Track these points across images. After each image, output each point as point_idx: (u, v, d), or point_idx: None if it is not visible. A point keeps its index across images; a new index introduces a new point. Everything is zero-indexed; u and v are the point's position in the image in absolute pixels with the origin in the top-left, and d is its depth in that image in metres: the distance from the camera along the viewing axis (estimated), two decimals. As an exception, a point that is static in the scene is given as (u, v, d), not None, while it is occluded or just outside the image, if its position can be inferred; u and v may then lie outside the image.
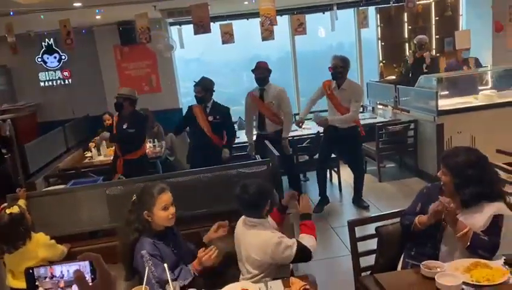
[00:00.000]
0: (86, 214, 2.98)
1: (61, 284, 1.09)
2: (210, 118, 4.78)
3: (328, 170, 5.64)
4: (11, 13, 4.46)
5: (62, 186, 4.00)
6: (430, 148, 5.57)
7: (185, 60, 8.13)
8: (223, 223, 2.71)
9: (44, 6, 4.67)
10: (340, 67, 4.78)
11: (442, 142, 5.38)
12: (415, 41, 6.78)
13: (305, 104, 5.40)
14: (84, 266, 1.06)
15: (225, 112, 4.90)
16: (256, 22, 6.89)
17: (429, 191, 2.61)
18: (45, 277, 1.10)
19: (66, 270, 1.09)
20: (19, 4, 4.47)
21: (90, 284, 1.05)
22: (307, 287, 2.12)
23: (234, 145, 5.76)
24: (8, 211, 2.60)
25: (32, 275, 1.10)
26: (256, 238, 2.46)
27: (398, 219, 2.71)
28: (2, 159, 4.88)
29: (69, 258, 2.67)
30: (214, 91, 4.85)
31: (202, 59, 9.26)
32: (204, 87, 4.76)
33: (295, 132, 6.03)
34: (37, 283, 1.11)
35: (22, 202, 2.83)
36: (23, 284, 2.34)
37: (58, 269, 1.10)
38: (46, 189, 4.05)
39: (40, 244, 2.68)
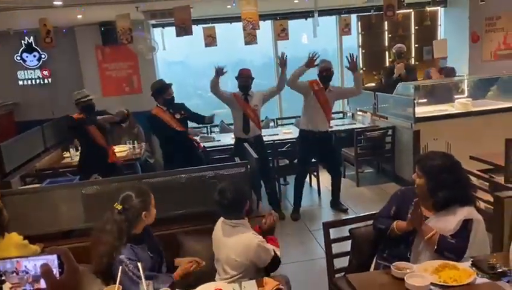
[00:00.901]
0: (61, 214, 2.95)
1: (29, 279, 1.09)
2: (177, 116, 4.79)
3: (307, 174, 5.70)
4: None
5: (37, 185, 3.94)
6: (407, 154, 5.69)
7: (168, 62, 8.10)
8: (200, 262, 2.58)
9: (24, 4, 4.62)
10: (329, 70, 4.92)
11: (419, 149, 5.50)
12: (393, 50, 6.91)
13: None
14: (52, 260, 1.06)
15: (183, 106, 4.97)
16: (240, 26, 6.97)
17: (403, 194, 2.68)
18: (12, 272, 1.09)
19: (33, 264, 1.08)
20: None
21: (58, 278, 1.04)
22: (281, 287, 2.15)
23: (214, 149, 5.81)
24: None
25: None
26: (237, 240, 2.49)
27: (371, 221, 2.77)
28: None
29: None
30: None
31: (186, 62, 9.25)
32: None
33: (275, 136, 6.10)
34: (3, 278, 1.10)
35: None
36: None
37: (25, 264, 1.09)
38: (21, 188, 3.98)
39: (12, 243, 2.62)
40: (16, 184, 4.85)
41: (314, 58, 4.79)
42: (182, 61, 9.07)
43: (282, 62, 4.90)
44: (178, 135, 4.78)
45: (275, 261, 2.54)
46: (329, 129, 5.30)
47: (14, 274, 1.08)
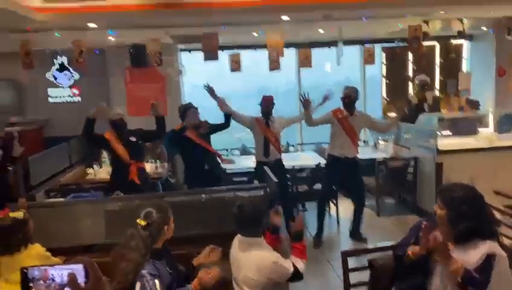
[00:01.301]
0: (83, 228, 3.02)
1: (56, 287, 1.13)
2: (201, 131, 4.99)
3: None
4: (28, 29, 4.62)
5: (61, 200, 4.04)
6: (429, 186, 5.60)
7: (193, 85, 8.26)
8: (216, 248, 2.69)
9: (60, 25, 4.84)
10: (353, 97, 4.99)
11: (441, 181, 5.41)
12: (416, 81, 6.91)
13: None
14: (78, 270, 1.10)
15: (206, 122, 5.15)
16: (265, 53, 7.10)
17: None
18: (39, 279, 1.14)
19: (60, 273, 1.12)
20: (35, 21, 4.63)
21: (83, 287, 1.08)
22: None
23: (235, 172, 5.87)
24: (11, 214, 2.64)
25: (26, 275, 1.14)
26: (253, 258, 2.50)
27: (391, 252, 2.74)
28: (4, 170, 4.93)
29: None
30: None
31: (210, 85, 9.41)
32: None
33: (295, 161, 6.11)
34: (30, 284, 1.14)
35: (22, 212, 2.86)
36: None
37: (51, 272, 1.13)
38: (47, 201, 4.09)
39: (34, 255, 2.68)
40: (40, 198, 4.97)
41: (307, 99, 4.79)
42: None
43: (305, 103, 4.80)
44: (199, 150, 4.88)
45: (296, 276, 2.54)
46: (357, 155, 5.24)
47: (41, 282, 1.12)
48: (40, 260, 2.68)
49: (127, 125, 4.88)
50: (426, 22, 6.04)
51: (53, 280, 1.12)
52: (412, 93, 7.42)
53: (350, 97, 4.97)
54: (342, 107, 5.03)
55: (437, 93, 7.88)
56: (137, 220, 2.42)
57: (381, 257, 2.79)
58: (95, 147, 5.59)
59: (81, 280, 1.08)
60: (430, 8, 5.34)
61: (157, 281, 2.21)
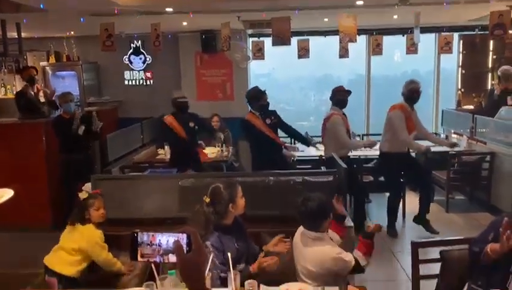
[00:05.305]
0: (157, 202, 3.17)
1: (160, 251, 1.21)
2: (267, 121, 4.97)
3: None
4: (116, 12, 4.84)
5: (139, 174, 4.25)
6: (507, 184, 5.26)
7: (255, 74, 8.33)
8: (285, 239, 2.70)
9: (139, 9, 5.06)
10: (421, 92, 4.90)
11: (521, 178, 5.07)
12: (499, 73, 6.46)
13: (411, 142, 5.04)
14: (182, 238, 1.17)
15: (275, 112, 5.14)
16: (330, 41, 6.99)
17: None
18: (147, 244, 1.22)
19: (166, 240, 1.20)
20: (116, 4, 4.86)
21: (187, 254, 1.15)
22: (364, 296, 2.11)
23: (299, 159, 5.85)
24: (80, 194, 2.87)
25: (136, 239, 1.23)
26: (314, 252, 2.50)
27: (464, 246, 2.62)
28: (87, 147, 5.30)
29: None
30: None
31: (272, 75, 9.45)
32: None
33: (361, 151, 5.96)
34: (138, 247, 1.23)
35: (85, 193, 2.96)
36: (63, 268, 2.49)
37: (159, 238, 1.22)
38: (127, 174, 4.32)
39: (86, 236, 2.81)
40: (115, 174, 5.29)
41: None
42: (267, 74, 9.28)
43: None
44: (267, 140, 4.92)
45: (357, 269, 2.50)
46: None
47: (148, 246, 1.21)
48: (89, 243, 2.79)
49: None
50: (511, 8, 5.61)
51: (159, 245, 1.20)
52: (492, 86, 6.97)
53: (420, 92, 4.85)
54: (404, 102, 4.89)
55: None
56: (204, 198, 2.55)
57: (454, 250, 2.68)
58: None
59: (184, 248, 1.15)
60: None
61: (211, 255, 2.30)
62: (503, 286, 2.25)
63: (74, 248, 2.79)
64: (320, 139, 5.49)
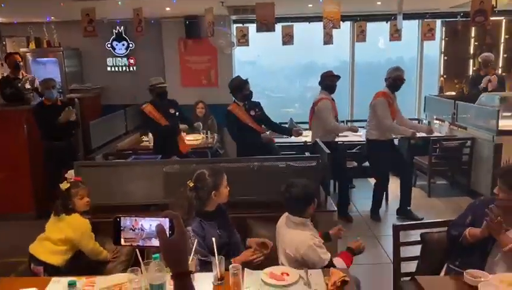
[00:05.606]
0: (142, 188, 3.17)
1: (143, 236, 1.22)
2: (252, 113, 4.99)
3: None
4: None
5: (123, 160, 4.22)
6: (486, 168, 5.39)
7: (241, 61, 8.28)
8: (269, 243, 2.65)
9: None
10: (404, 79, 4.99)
11: (500, 163, 5.17)
12: (480, 59, 6.56)
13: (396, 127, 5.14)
14: (165, 222, 1.18)
15: (259, 104, 5.15)
16: (314, 28, 6.97)
17: (482, 204, 2.56)
18: (130, 229, 1.23)
19: (149, 224, 1.21)
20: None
21: (169, 238, 1.17)
22: (346, 278, 2.16)
23: (283, 145, 5.88)
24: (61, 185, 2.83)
25: (119, 223, 1.23)
26: (294, 236, 2.54)
27: (444, 228, 2.69)
28: (70, 135, 5.24)
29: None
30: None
31: (258, 63, 9.41)
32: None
33: (345, 137, 6.02)
34: (121, 231, 1.24)
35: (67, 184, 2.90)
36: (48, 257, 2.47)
37: (141, 223, 1.23)
38: (111, 161, 4.29)
39: (73, 226, 2.77)
40: (99, 161, 5.25)
41: None
42: (253, 61, 9.23)
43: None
44: (251, 132, 4.92)
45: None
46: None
47: (131, 230, 1.22)
48: (75, 232, 2.76)
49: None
50: (493, -6, 5.66)
51: (142, 229, 1.21)
52: (473, 72, 7.07)
53: (403, 80, 4.94)
54: (387, 89, 4.96)
55: (500, 72, 7.46)
56: (188, 182, 2.56)
57: (433, 232, 2.75)
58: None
59: (167, 232, 1.16)
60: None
61: (196, 241, 2.31)
62: (480, 265, 2.33)
63: (61, 238, 2.75)
64: (305, 125, 5.52)
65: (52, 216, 2.85)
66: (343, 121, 7.46)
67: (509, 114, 5.91)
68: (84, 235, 2.77)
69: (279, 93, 9.71)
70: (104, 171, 3.21)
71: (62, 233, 2.76)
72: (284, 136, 5.92)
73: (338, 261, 2.54)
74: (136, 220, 1.22)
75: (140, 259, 2.11)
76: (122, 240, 1.23)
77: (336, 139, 5.47)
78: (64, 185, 2.83)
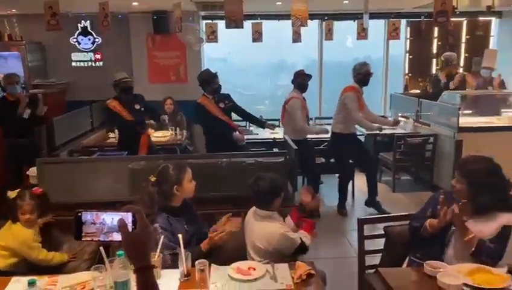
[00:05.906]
0: (107, 185, 3.12)
1: (104, 230, 1.21)
2: (221, 105, 5.01)
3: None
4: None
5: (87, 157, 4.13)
6: (447, 164, 5.58)
7: (211, 58, 8.25)
8: (233, 218, 2.72)
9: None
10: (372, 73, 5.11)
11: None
12: (442, 58, 6.78)
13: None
14: (127, 217, 1.17)
15: (229, 96, 5.20)
16: (284, 26, 7.02)
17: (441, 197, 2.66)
18: (91, 223, 1.21)
19: (111, 218, 1.20)
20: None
21: (132, 232, 1.16)
22: (312, 272, 2.20)
23: (253, 141, 5.90)
24: (9, 193, 2.69)
25: (80, 218, 1.21)
26: (263, 229, 2.57)
27: (406, 222, 2.77)
28: (32, 132, 5.08)
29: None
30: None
31: (229, 60, 9.40)
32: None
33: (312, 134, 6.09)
34: (83, 226, 1.22)
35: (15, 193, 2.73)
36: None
37: (103, 217, 1.21)
38: (75, 157, 4.19)
39: (13, 236, 2.64)
40: (62, 158, 5.11)
41: None
42: (224, 58, 9.22)
43: None
44: (220, 124, 4.92)
45: (302, 249, 2.58)
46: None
47: (92, 225, 1.20)
48: (17, 243, 2.62)
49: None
50: (454, -4, 5.86)
51: (103, 224, 1.19)
52: (436, 71, 7.30)
53: (371, 74, 5.06)
54: (356, 84, 5.05)
55: (461, 71, 7.74)
56: (150, 177, 2.54)
57: (396, 225, 2.83)
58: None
59: (129, 226, 1.16)
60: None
61: (163, 236, 2.30)
62: (440, 257, 2.42)
63: (3, 245, 2.62)
64: (274, 122, 5.55)
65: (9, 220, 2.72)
66: (311, 118, 7.56)
67: (470, 112, 6.16)
68: (22, 247, 2.62)
69: (251, 90, 9.75)
70: (68, 168, 3.13)
71: (3, 240, 2.64)
72: (255, 132, 5.96)
73: (304, 234, 2.61)
74: (97, 214, 1.20)
75: (104, 256, 2.08)
76: (83, 235, 1.21)
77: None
78: (11, 194, 2.69)
